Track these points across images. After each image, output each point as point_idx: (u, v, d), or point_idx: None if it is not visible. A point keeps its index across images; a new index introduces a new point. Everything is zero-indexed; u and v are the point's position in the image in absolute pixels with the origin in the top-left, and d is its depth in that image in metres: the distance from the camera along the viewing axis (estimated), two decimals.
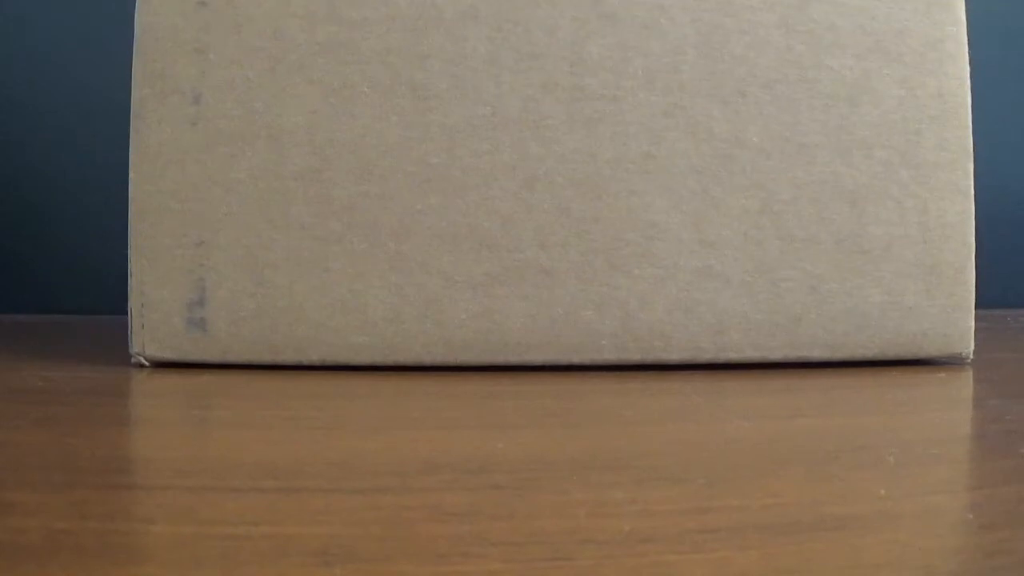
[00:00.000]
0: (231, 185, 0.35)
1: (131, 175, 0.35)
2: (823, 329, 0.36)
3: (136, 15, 0.35)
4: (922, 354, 0.36)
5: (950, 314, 0.36)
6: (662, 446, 0.26)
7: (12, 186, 0.54)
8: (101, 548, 0.18)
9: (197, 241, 0.35)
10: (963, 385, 0.34)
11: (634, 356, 0.35)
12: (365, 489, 0.22)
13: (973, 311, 0.36)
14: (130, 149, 0.35)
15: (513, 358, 0.35)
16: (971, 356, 0.36)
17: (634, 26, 0.35)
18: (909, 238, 0.35)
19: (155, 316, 0.35)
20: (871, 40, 0.35)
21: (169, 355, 0.35)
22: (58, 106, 0.53)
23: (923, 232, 0.35)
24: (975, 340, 0.36)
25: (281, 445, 0.26)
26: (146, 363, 0.36)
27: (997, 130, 0.36)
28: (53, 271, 0.54)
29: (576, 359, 0.35)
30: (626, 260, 0.35)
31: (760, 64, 0.35)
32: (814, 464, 0.24)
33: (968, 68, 0.36)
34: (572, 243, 0.35)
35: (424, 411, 0.30)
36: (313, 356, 0.35)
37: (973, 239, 0.36)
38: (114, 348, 0.39)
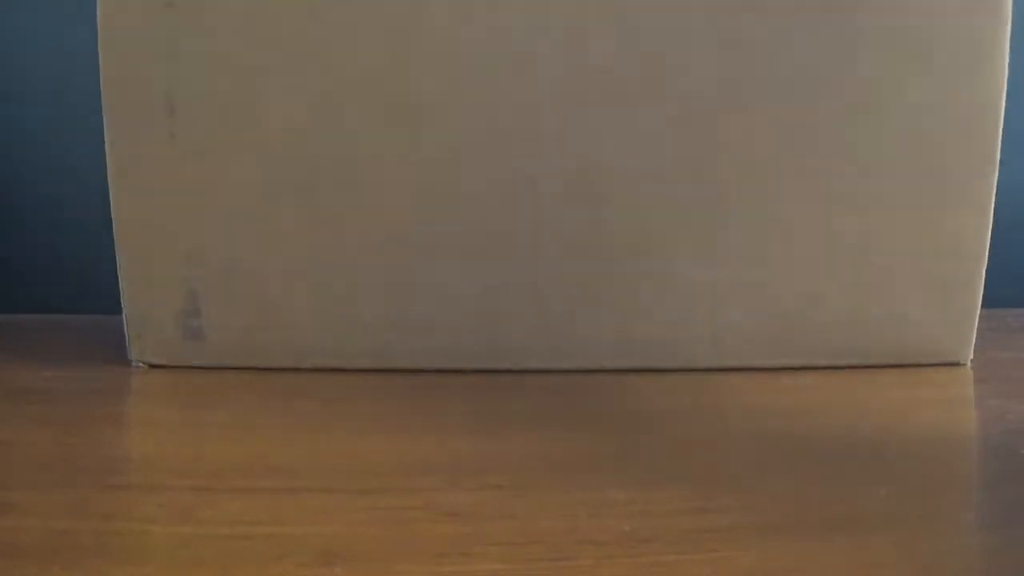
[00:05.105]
0: (215, 197, 0.34)
1: (111, 191, 0.34)
2: (821, 341, 0.35)
3: (99, 20, 0.33)
4: (919, 362, 0.35)
5: (953, 326, 0.35)
6: (662, 446, 0.26)
7: (12, 185, 0.54)
8: (101, 548, 0.18)
9: (185, 254, 0.34)
10: (963, 385, 0.34)
11: (632, 364, 0.35)
12: (365, 489, 0.22)
13: (976, 322, 0.35)
14: (107, 166, 0.34)
15: (509, 365, 0.35)
16: (969, 363, 0.36)
17: (641, 27, 0.33)
18: (921, 252, 0.34)
19: (150, 327, 0.35)
20: (904, 45, 0.33)
21: (167, 362, 0.35)
22: (60, 103, 0.53)
23: (935, 247, 0.34)
24: (975, 339, 0.36)
25: (281, 445, 0.26)
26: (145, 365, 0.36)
27: (1004, 128, 0.35)
28: (53, 271, 0.54)
29: (573, 366, 0.35)
30: (624, 272, 0.34)
31: (780, 69, 0.33)
32: (814, 464, 0.24)
33: (1006, 77, 0.33)
34: (570, 254, 0.34)
35: (424, 411, 0.30)
36: (308, 362, 0.35)
37: (986, 253, 0.35)
38: (114, 348, 0.39)
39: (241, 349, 0.35)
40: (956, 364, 0.36)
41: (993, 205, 0.34)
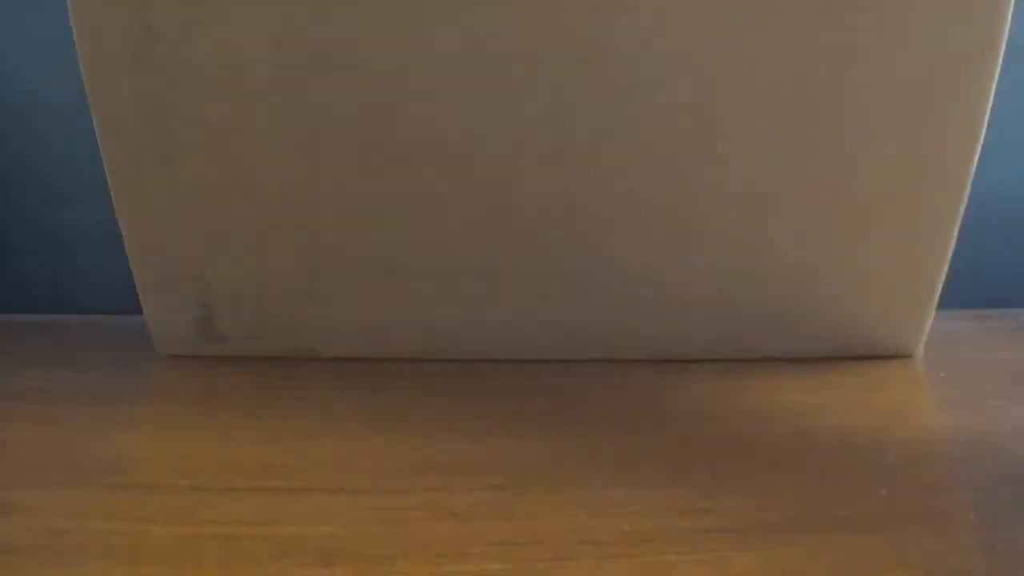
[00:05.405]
0: (218, 227, 0.35)
1: (120, 223, 0.35)
2: (772, 332, 0.35)
3: (85, 80, 0.34)
4: (869, 354, 0.36)
5: (906, 321, 0.35)
6: (662, 446, 0.26)
7: (11, 184, 0.54)
8: (101, 548, 0.18)
9: (196, 274, 0.35)
10: (964, 385, 0.34)
11: (597, 356, 0.36)
12: (365, 489, 0.22)
13: (930, 319, 0.36)
14: (113, 202, 0.35)
15: (489, 356, 0.36)
16: (920, 354, 0.36)
17: (621, 83, 0.33)
18: (881, 273, 0.35)
19: (170, 330, 0.37)
20: (887, 86, 0.32)
21: (190, 353, 0.37)
22: (67, 101, 0.53)
23: (897, 267, 0.35)
24: (977, 339, 0.36)
25: (281, 445, 0.26)
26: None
27: (1005, 129, 0.35)
28: (53, 270, 0.54)
29: (546, 357, 0.36)
30: (589, 284, 0.35)
31: (758, 107, 0.33)
32: (814, 464, 0.24)
33: (986, 121, 0.33)
34: (544, 271, 0.35)
35: (424, 411, 0.30)
36: (324, 353, 0.36)
37: (949, 252, 0.34)
38: (116, 348, 0.39)
39: (257, 345, 0.37)
40: (906, 357, 0.36)
41: (963, 206, 0.34)
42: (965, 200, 0.34)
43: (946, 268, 0.35)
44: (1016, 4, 0.32)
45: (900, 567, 0.18)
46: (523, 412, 0.30)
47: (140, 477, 0.23)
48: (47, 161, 0.54)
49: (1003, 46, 0.32)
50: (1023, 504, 0.21)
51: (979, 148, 0.33)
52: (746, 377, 0.34)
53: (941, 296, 0.36)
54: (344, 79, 0.33)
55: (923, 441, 0.26)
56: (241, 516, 0.20)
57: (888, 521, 0.20)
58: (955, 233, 0.34)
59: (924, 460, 0.25)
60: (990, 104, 0.33)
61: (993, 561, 0.18)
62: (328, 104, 0.33)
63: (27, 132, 0.54)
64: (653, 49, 0.33)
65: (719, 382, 0.34)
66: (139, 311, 0.37)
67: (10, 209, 0.54)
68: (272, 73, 0.33)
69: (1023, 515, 0.20)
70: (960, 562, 0.18)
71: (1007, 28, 0.32)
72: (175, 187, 0.34)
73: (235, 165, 0.34)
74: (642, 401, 0.32)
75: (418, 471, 0.23)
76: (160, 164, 0.34)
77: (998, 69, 0.32)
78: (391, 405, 0.31)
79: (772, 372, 0.35)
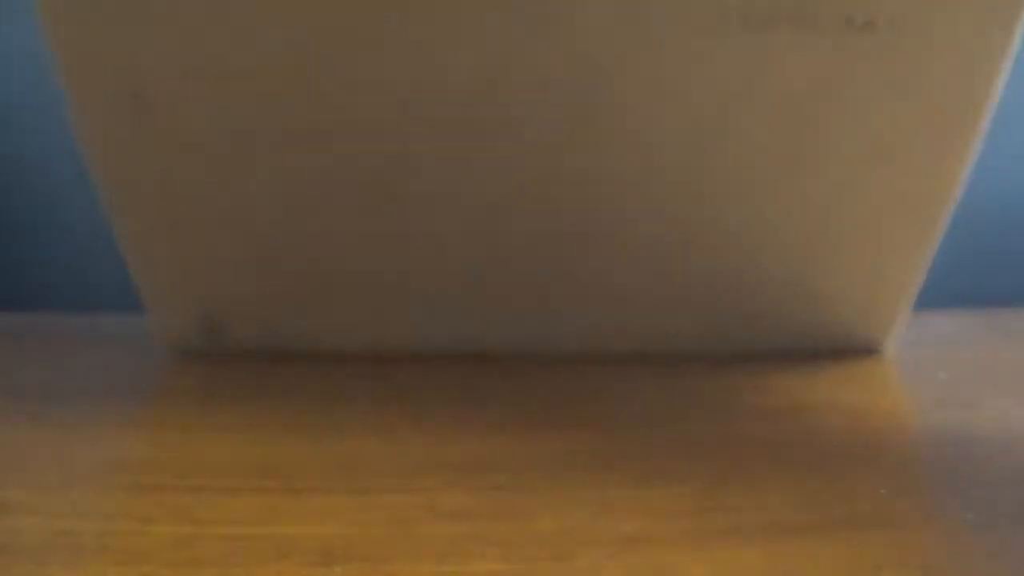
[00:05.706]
0: (219, 225, 0.35)
1: (116, 223, 0.35)
2: (741, 325, 0.36)
3: (79, 142, 0.34)
4: (837, 347, 0.37)
5: (877, 316, 0.36)
6: (662, 446, 0.26)
7: (11, 183, 0.54)
8: (101, 548, 0.18)
9: (197, 273, 0.36)
10: (966, 386, 0.34)
11: (594, 352, 0.37)
12: (365, 489, 0.22)
13: (901, 316, 0.36)
14: (111, 201, 0.35)
15: (489, 356, 0.37)
16: (887, 350, 0.37)
17: (613, 140, 0.33)
18: (859, 272, 0.35)
19: (172, 329, 0.37)
20: (868, 145, 0.33)
21: (191, 352, 0.37)
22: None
23: (878, 268, 0.35)
24: (975, 340, 0.36)
25: (281, 445, 0.26)
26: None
27: (998, 130, 0.35)
28: (53, 270, 0.54)
29: (546, 355, 0.37)
30: (588, 285, 0.36)
31: (741, 162, 0.33)
32: (814, 464, 0.24)
33: (977, 137, 0.33)
34: (544, 272, 0.36)
35: (423, 411, 0.30)
36: (326, 352, 0.37)
37: (930, 249, 0.35)
38: (116, 347, 0.39)
39: (263, 344, 0.37)
40: (876, 352, 0.36)
41: (950, 208, 0.34)
42: (950, 210, 0.34)
43: (924, 268, 0.35)
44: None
45: (900, 567, 0.18)
46: (524, 412, 0.30)
47: (140, 477, 0.23)
48: (46, 159, 0.54)
49: (996, 95, 0.32)
50: (1023, 504, 0.21)
51: (970, 162, 0.33)
52: (745, 377, 0.34)
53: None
54: (343, 100, 0.33)
55: (922, 441, 0.26)
56: (241, 516, 0.20)
57: (888, 521, 0.20)
58: (935, 239, 0.34)
59: (924, 460, 0.25)
60: (983, 121, 0.33)
61: (992, 561, 0.18)
62: (329, 110, 0.33)
63: (26, 130, 0.54)
64: (655, 84, 0.33)
65: (718, 382, 0.34)
66: (140, 310, 0.37)
67: (9, 208, 0.54)
68: (272, 83, 0.33)
69: (1023, 515, 0.20)
70: (960, 563, 0.18)
71: (1002, 79, 0.32)
72: (174, 187, 0.34)
73: (236, 166, 0.34)
74: (643, 401, 0.32)
75: (418, 471, 0.23)
76: (159, 166, 0.34)
77: (995, 96, 0.32)
78: (392, 404, 0.31)
79: (771, 371, 0.35)
